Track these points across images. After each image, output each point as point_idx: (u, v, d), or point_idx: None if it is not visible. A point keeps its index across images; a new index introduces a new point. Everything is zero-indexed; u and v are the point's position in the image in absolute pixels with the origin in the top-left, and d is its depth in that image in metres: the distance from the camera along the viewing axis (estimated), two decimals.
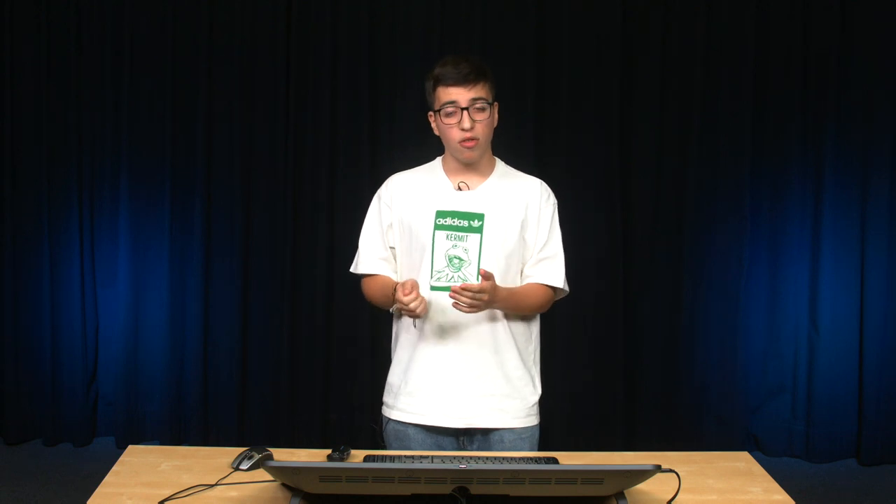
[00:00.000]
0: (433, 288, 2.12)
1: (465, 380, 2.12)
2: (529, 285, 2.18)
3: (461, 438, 2.16)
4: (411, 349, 2.17)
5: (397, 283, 2.08)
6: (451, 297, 1.98)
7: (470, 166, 2.17)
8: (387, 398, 2.24)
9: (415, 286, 2.02)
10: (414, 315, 2.02)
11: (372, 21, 3.89)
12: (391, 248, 2.22)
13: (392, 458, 1.92)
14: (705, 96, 3.89)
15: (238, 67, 3.93)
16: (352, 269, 2.27)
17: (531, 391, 2.21)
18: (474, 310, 2.02)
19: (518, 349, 2.18)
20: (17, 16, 3.96)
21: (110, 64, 3.95)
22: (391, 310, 2.22)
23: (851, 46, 3.88)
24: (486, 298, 1.99)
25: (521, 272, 2.20)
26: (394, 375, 2.23)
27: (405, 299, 1.99)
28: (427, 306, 2.05)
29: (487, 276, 1.98)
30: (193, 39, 3.92)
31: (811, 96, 3.91)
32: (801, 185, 3.95)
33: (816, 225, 3.95)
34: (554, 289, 2.20)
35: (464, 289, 1.96)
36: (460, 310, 2.01)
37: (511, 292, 2.11)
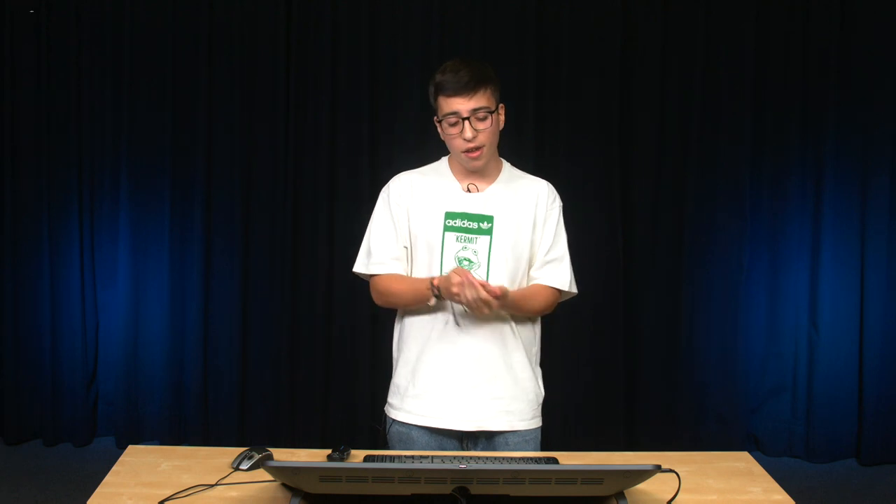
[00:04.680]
0: None
1: (475, 382, 2.11)
2: (533, 287, 2.17)
3: (465, 441, 2.15)
4: (419, 350, 2.15)
5: (439, 278, 2.04)
6: (464, 289, 1.95)
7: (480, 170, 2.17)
8: (392, 399, 2.22)
9: (465, 276, 1.95)
10: (484, 307, 1.96)
11: (372, 21, 3.89)
12: (405, 247, 2.18)
13: (392, 458, 1.92)
14: (705, 96, 3.90)
15: (238, 67, 3.93)
16: (358, 269, 2.22)
17: (537, 392, 2.20)
18: (476, 311, 1.99)
19: (525, 350, 2.17)
20: (17, 16, 3.96)
21: (110, 64, 3.95)
22: (430, 303, 2.09)
23: (851, 46, 3.88)
24: (486, 311, 1.98)
25: (528, 273, 2.19)
26: (400, 377, 2.20)
27: (483, 294, 1.93)
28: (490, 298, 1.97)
29: (503, 294, 1.96)
30: (193, 39, 3.92)
31: (811, 96, 3.91)
32: (801, 185, 3.95)
33: (816, 225, 3.95)
34: (560, 290, 2.19)
35: (482, 286, 1.94)
36: (459, 301, 1.99)
37: (514, 299, 2.08)
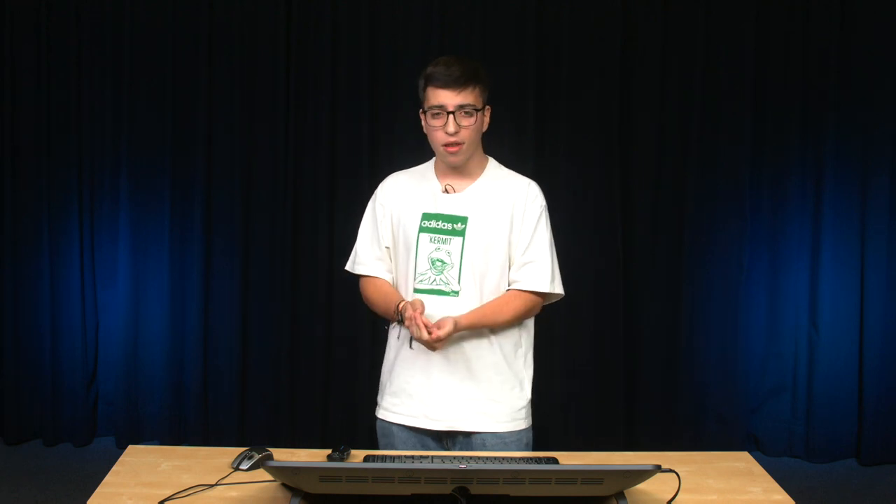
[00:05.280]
0: (416, 291, 2.12)
1: (446, 383, 2.12)
2: (503, 297, 2.14)
3: (444, 439, 2.16)
4: (396, 350, 2.19)
5: (403, 303, 2.07)
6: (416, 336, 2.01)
7: (459, 167, 2.16)
8: (378, 396, 2.27)
9: (415, 313, 1.99)
10: (430, 346, 2.01)
11: (372, 21, 3.89)
12: (386, 247, 2.21)
13: (392, 458, 1.92)
14: (705, 96, 3.89)
15: (238, 67, 3.93)
16: (347, 268, 2.28)
17: (517, 395, 2.17)
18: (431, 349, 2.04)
19: (503, 353, 2.15)
20: (17, 16, 3.96)
21: (110, 64, 3.95)
22: (393, 324, 2.18)
23: (851, 46, 3.88)
24: (439, 347, 2.02)
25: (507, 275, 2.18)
26: (383, 374, 2.26)
27: (425, 336, 1.97)
28: (448, 333, 2.00)
29: (440, 326, 1.99)
30: (193, 39, 3.92)
31: (811, 96, 3.91)
32: (801, 185, 3.95)
33: (816, 225, 3.95)
34: (540, 292, 2.16)
35: (427, 326, 1.98)
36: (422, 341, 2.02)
37: (471, 322, 2.07)
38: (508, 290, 2.15)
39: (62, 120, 3.99)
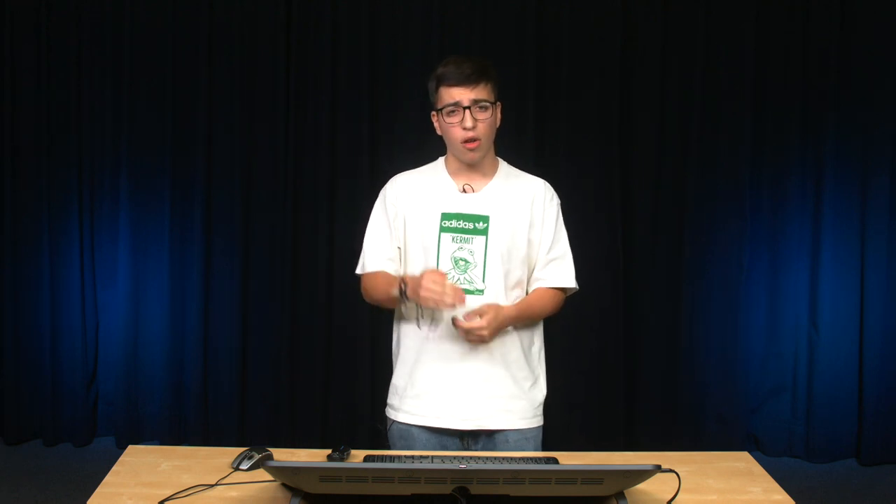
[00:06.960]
0: None
1: (471, 382, 2.12)
2: (538, 295, 2.18)
3: (466, 439, 2.16)
4: (416, 351, 2.16)
5: (407, 277, 2.05)
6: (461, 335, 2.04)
7: (473, 167, 2.17)
8: (392, 400, 2.23)
9: (441, 275, 1.98)
10: (447, 305, 1.97)
11: (372, 21, 3.89)
12: (398, 248, 2.20)
13: (392, 458, 1.92)
14: (705, 96, 3.90)
15: (238, 67, 3.93)
16: (358, 271, 2.25)
17: (537, 391, 2.22)
18: (483, 342, 2.06)
19: (523, 350, 2.18)
20: (17, 16, 3.96)
21: (110, 64, 3.95)
22: (403, 308, 2.13)
23: (851, 46, 3.88)
24: (487, 334, 2.03)
25: (530, 275, 2.20)
26: (398, 377, 2.22)
27: (445, 294, 1.94)
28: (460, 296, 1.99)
29: (482, 313, 2.01)
30: (193, 39, 3.93)
31: (811, 96, 3.91)
32: (801, 185, 3.95)
33: (816, 225, 3.95)
34: (563, 288, 2.22)
35: (461, 326, 2.02)
36: (426, 304, 2.00)
37: (519, 310, 2.12)
38: (536, 287, 2.20)
39: (62, 120, 3.99)
